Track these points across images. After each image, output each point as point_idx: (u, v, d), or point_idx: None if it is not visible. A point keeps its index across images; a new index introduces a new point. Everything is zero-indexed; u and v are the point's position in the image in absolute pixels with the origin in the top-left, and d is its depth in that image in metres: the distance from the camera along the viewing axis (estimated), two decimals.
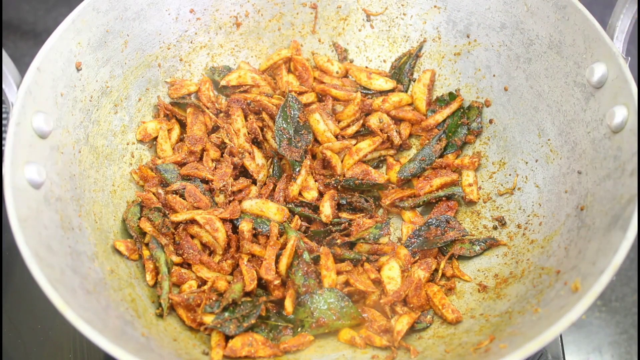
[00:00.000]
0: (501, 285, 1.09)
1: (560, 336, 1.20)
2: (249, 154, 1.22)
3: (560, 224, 1.07)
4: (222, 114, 1.28)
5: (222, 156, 1.22)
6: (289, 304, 1.05)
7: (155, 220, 1.11)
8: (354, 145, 1.26)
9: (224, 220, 1.12)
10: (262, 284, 1.10)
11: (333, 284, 1.07)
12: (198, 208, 1.13)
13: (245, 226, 1.11)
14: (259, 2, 1.34)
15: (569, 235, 1.03)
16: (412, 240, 1.17)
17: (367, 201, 1.22)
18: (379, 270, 1.13)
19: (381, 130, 1.28)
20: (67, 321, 0.81)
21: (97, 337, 0.80)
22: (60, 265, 0.91)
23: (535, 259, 1.08)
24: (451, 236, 1.15)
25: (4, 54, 0.99)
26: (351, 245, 1.16)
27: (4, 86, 0.98)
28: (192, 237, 1.12)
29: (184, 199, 1.14)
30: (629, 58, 1.00)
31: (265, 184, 1.22)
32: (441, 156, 1.27)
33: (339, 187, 1.22)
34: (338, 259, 1.13)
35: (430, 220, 1.19)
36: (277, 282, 1.07)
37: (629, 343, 1.33)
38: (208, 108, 1.27)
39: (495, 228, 1.19)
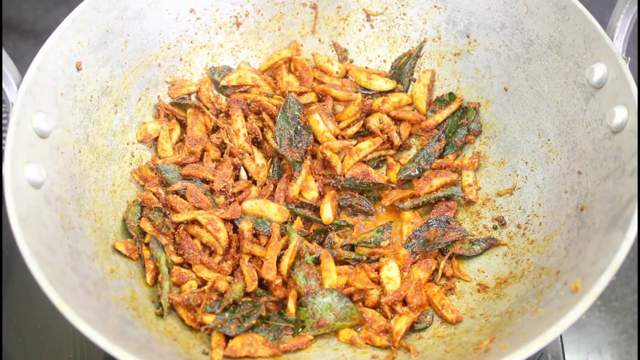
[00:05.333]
0: (501, 285, 1.09)
1: (560, 336, 1.20)
2: (249, 154, 1.22)
3: (560, 224, 1.07)
4: (222, 115, 1.28)
5: (222, 156, 1.22)
6: (291, 305, 1.05)
7: (156, 220, 1.11)
8: (354, 145, 1.26)
9: (225, 221, 1.12)
10: (263, 284, 1.10)
11: (333, 285, 1.07)
12: (199, 208, 1.13)
13: (245, 226, 1.11)
14: (259, 2, 1.34)
15: (569, 235, 1.03)
16: (412, 241, 1.17)
17: (367, 203, 1.22)
18: (377, 270, 1.13)
19: (381, 131, 1.28)
20: (67, 321, 0.81)
21: (97, 336, 0.80)
22: (60, 264, 0.90)
23: (535, 259, 1.08)
24: (451, 237, 1.15)
25: (4, 53, 0.99)
26: (352, 247, 1.16)
27: (4, 86, 0.98)
28: (193, 237, 1.12)
29: (185, 199, 1.14)
30: (629, 58, 1.00)
31: (265, 184, 1.22)
32: (441, 156, 1.27)
33: (339, 187, 1.22)
34: (338, 261, 1.14)
35: (430, 220, 1.19)
36: (278, 282, 1.07)
37: (629, 343, 1.33)
38: (208, 108, 1.27)
39: (495, 228, 1.19)
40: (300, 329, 1.05)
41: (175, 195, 1.14)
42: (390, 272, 1.12)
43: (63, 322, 0.82)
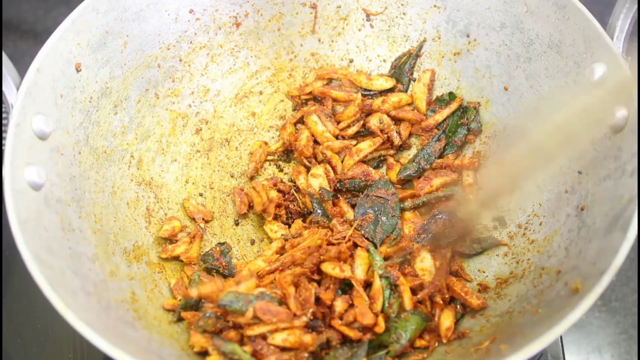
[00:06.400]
0: (501, 285, 1.09)
1: (560, 336, 1.20)
2: None
3: (560, 224, 1.07)
4: None
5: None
6: (381, 321, 0.98)
7: (210, 328, 0.97)
8: (354, 145, 1.26)
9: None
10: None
11: (411, 303, 1.02)
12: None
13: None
14: (258, 2, 1.34)
15: (569, 235, 1.03)
16: (422, 235, 1.17)
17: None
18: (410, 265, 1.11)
19: (381, 130, 1.28)
20: (67, 321, 0.82)
21: (97, 339, 0.80)
22: (61, 266, 0.91)
23: (535, 259, 1.08)
24: (460, 228, 1.14)
25: (4, 55, 0.99)
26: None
27: (3, 87, 0.98)
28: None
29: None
30: (629, 58, 1.00)
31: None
32: (441, 156, 1.27)
33: (344, 189, 1.22)
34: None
35: (436, 213, 1.18)
36: (380, 320, 0.99)
37: (629, 343, 1.33)
38: None
39: (495, 228, 1.19)
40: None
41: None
42: (424, 264, 1.09)
43: (63, 323, 0.82)
